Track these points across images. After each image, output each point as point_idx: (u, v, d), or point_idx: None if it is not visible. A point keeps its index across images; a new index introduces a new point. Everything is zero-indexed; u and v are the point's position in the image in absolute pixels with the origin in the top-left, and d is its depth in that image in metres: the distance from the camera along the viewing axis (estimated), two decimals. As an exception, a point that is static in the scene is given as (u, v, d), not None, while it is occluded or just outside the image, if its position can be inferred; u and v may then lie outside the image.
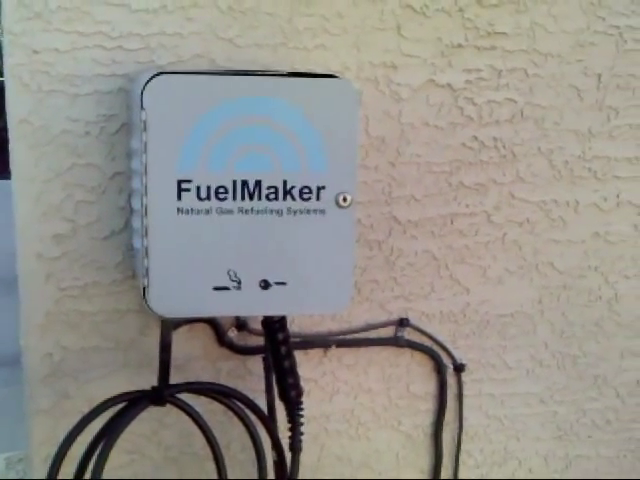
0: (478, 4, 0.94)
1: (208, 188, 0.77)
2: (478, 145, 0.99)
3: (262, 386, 0.95)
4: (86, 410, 0.85)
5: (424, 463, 1.09)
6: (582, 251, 1.05)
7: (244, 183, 0.77)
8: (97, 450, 0.80)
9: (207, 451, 0.87)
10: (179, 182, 0.76)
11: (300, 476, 0.93)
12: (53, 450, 0.83)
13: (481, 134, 0.98)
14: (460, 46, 0.95)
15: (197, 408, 0.86)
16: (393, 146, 0.96)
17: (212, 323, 0.95)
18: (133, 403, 0.83)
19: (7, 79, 0.85)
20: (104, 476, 0.79)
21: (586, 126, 1.01)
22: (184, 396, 0.87)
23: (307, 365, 1.00)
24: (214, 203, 0.77)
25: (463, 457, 1.10)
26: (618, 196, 1.04)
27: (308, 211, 0.79)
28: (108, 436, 0.80)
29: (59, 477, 0.81)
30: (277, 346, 0.89)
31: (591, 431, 1.14)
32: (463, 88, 0.96)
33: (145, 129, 0.75)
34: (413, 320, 1.02)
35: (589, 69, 0.99)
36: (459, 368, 1.05)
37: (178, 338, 0.92)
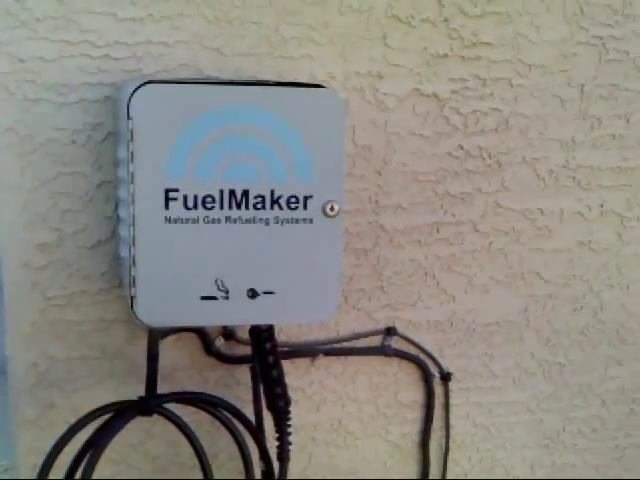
0: (463, 14, 0.95)
1: (195, 197, 0.77)
2: (464, 154, 0.99)
3: (249, 396, 0.95)
4: (72, 420, 0.85)
5: (412, 471, 1.09)
6: (567, 260, 1.06)
7: (231, 192, 0.77)
8: (84, 460, 0.80)
9: (195, 461, 0.86)
10: (166, 191, 0.76)
11: (288, 486, 0.93)
12: (40, 460, 0.82)
13: (467, 143, 0.99)
14: (445, 56, 0.96)
15: (184, 418, 0.86)
16: (379, 155, 0.97)
17: (199, 332, 0.95)
18: (120, 413, 0.82)
19: (-7, 88, 0.85)
20: (90, 487, 0.78)
21: (570, 135, 1.02)
22: (171, 406, 0.86)
23: (294, 374, 1.00)
24: (201, 212, 0.77)
25: (450, 465, 1.10)
26: (602, 205, 1.05)
27: (295, 220, 0.79)
28: (95, 447, 0.79)
29: (46, 487, 0.80)
30: (265, 355, 0.88)
31: (577, 439, 1.14)
32: (448, 98, 0.97)
33: (132, 138, 0.75)
34: (400, 329, 1.02)
35: (572, 79, 1.00)
36: (446, 377, 1.06)
37: (165, 347, 0.91)
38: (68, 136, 0.87)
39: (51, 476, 0.80)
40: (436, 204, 1.00)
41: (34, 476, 0.81)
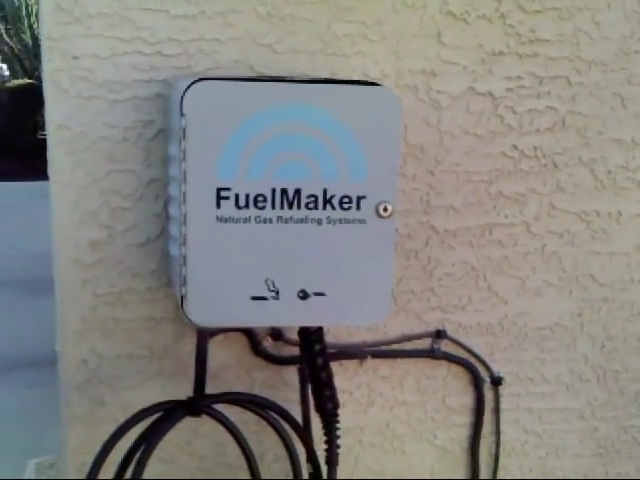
0: (520, 10, 0.93)
1: (247, 196, 0.76)
2: (518, 154, 0.97)
3: (296, 397, 0.94)
4: (121, 418, 0.85)
5: (460, 478, 1.07)
6: (625, 263, 1.03)
7: (283, 191, 0.76)
8: (134, 460, 0.79)
9: (241, 461, 0.86)
10: (218, 190, 0.75)
11: (334, 489, 0.92)
12: (87, 457, 0.82)
13: (521, 143, 0.97)
14: (501, 53, 0.94)
15: (231, 418, 0.85)
16: (432, 154, 0.95)
17: (247, 332, 0.94)
18: (169, 413, 0.82)
19: (46, 84, 0.85)
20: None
21: (630, 135, 0.99)
22: (218, 406, 0.86)
23: (342, 376, 0.98)
24: (253, 211, 0.76)
25: (501, 473, 1.07)
26: (662, 207, 1.02)
27: (348, 221, 0.78)
28: (145, 445, 0.79)
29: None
30: (314, 357, 0.87)
31: (632, 448, 1.11)
32: (504, 96, 0.95)
33: (184, 136, 0.74)
34: (450, 332, 1.00)
35: (633, 77, 0.97)
36: (496, 381, 1.03)
37: (212, 347, 0.90)
38: (119, 133, 0.87)
39: (100, 475, 0.80)
40: (489, 205, 0.98)
41: (80, 474, 0.81)
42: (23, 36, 7.27)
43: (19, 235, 3.83)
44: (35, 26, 6.96)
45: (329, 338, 0.97)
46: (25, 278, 3.10)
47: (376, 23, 0.90)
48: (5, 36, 7.30)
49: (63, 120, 0.85)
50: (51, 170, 0.87)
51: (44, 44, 0.84)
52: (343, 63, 0.90)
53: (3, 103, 6.90)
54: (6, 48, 7.34)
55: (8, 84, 7.13)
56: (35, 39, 6.98)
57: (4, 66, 7.65)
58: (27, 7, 7.10)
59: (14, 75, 7.37)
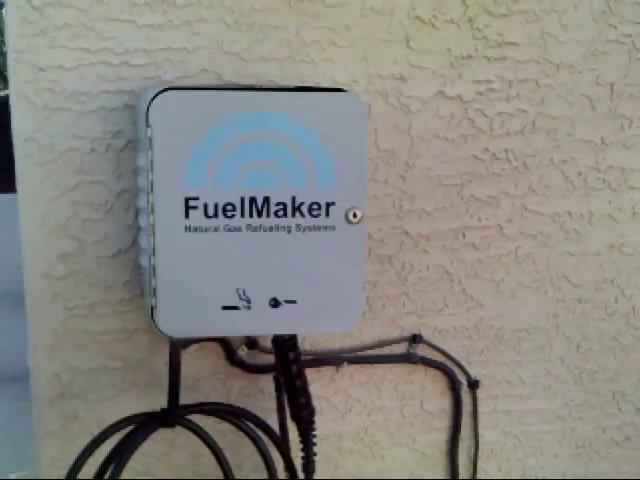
0: (488, 14, 0.93)
1: (216, 205, 0.75)
2: (489, 157, 0.97)
3: (273, 405, 0.93)
4: (96, 431, 0.84)
5: (439, 481, 1.07)
6: (597, 263, 1.03)
7: (252, 200, 0.76)
8: (108, 472, 0.79)
9: (219, 472, 0.85)
10: (186, 200, 0.75)
11: (313, 497, 0.91)
12: (63, 472, 0.82)
13: (492, 146, 0.97)
14: (470, 57, 0.94)
15: (207, 428, 0.85)
16: (403, 159, 0.95)
17: (222, 342, 0.94)
18: (143, 425, 0.81)
19: (12, 97, 0.85)
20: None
21: (599, 136, 0.99)
22: (195, 416, 0.85)
23: (319, 383, 0.98)
24: (222, 221, 0.76)
25: (480, 475, 1.07)
26: (634, 207, 1.02)
27: (318, 228, 0.78)
28: (119, 459, 0.78)
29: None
30: (288, 365, 0.87)
31: (610, 448, 1.11)
32: (473, 99, 0.95)
33: (151, 146, 0.74)
34: (426, 336, 1.00)
35: (601, 78, 0.97)
36: (473, 384, 1.03)
37: (187, 357, 0.90)
38: (88, 145, 0.86)
39: (74, 488, 0.80)
40: (461, 208, 0.98)
41: (57, 488, 0.80)
42: (4, 48, 7.24)
43: (7, 247, 3.80)
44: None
45: (305, 345, 0.97)
46: (8, 291, 3.07)
47: (344, 29, 0.90)
48: (-15, 49, 7.25)
49: (30, 132, 0.85)
50: (19, 183, 0.86)
51: (10, 56, 0.84)
52: (312, 70, 0.90)
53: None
54: (-14, 61, 7.29)
55: (-11, 96, 7.07)
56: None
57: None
58: (6, 19, 7.07)
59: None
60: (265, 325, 0.79)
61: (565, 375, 1.07)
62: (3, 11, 0.84)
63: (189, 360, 0.92)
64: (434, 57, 0.93)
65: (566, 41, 0.96)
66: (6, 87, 7.10)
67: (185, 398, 0.86)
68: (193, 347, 0.93)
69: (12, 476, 1.60)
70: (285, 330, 0.83)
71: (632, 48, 0.97)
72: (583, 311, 1.05)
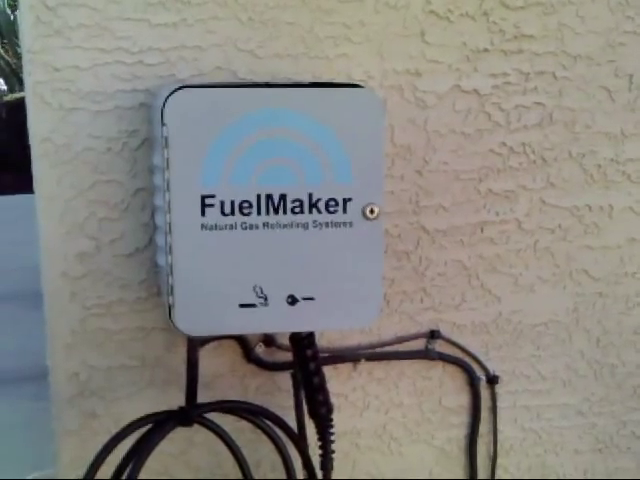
0: (504, 7, 0.92)
1: (232, 203, 0.75)
2: (507, 151, 0.96)
3: (291, 402, 0.93)
4: (114, 429, 0.84)
5: (459, 478, 1.06)
6: (618, 257, 1.02)
7: (268, 197, 0.76)
8: (126, 471, 0.79)
9: (237, 470, 0.85)
10: (203, 198, 0.75)
11: (332, 494, 0.91)
12: (82, 471, 0.82)
13: (510, 140, 0.96)
14: (486, 50, 0.93)
15: (225, 426, 0.85)
16: (419, 154, 0.94)
17: (239, 339, 0.94)
18: (161, 424, 0.82)
19: (28, 97, 0.85)
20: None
21: (618, 128, 0.98)
22: (212, 414, 0.85)
23: (336, 380, 0.98)
24: (238, 218, 0.76)
25: (499, 472, 1.06)
26: (654, 199, 1.01)
27: (335, 224, 0.77)
28: (136, 458, 0.79)
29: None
30: (306, 362, 0.87)
31: (632, 442, 1.10)
32: (490, 93, 0.94)
33: (166, 145, 0.74)
34: (444, 332, 1.00)
35: (620, 70, 0.96)
36: (492, 380, 1.03)
37: (205, 355, 0.90)
38: (104, 144, 0.87)
39: (94, 487, 0.80)
40: (479, 203, 0.97)
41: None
42: (19, 50, 7.28)
43: (18, 248, 3.83)
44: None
45: (322, 342, 0.96)
46: (26, 291, 3.10)
47: (359, 24, 0.90)
48: (1, 51, 7.31)
49: (46, 133, 0.85)
50: (36, 183, 0.87)
51: (25, 57, 0.84)
52: (326, 66, 0.90)
53: (1, 117, 6.90)
54: (2, 62, 7.35)
55: (5, 98, 7.13)
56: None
57: (1, 80, 7.67)
58: (22, 21, 7.12)
59: (11, 89, 7.38)
60: (283, 322, 0.79)
61: (585, 370, 1.06)
62: (16, 13, 0.84)
63: (206, 358, 0.92)
64: (450, 51, 0.92)
65: (583, 33, 0.95)
66: (22, 90, 7.15)
67: (202, 396, 0.86)
68: (210, 345, 0.93)
69: (31, 476, 1.61)
70: (303, 327, 0.83)
71: (650, 39, 0.96)
72: (603, 305, 1.04)
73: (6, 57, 7.36)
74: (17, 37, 7.23)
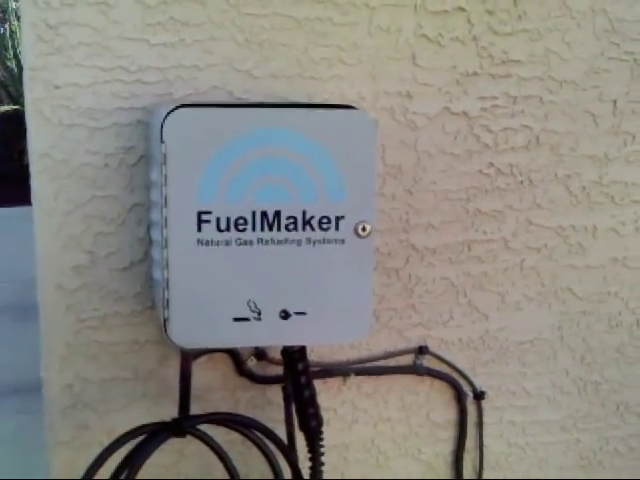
0: (492, 32, 0.95)
1: (228, 219, 0.77)
2: (494, 172, 0.99)
3: (281, 415, 0.95)
4: (106, 441, 0.85)
5: (445, 492, 1.08)
6: (601, 276, 1.05)
7: (263, 214, 0.78)
8: (118, 482, 0.80)
9: (227, 482, 0.87)
10: (199, 214, 0.77)
11: (321, 507, 0.93)
12: (74, 482, 0.83)
13: (497, 161, 0.99)
14: (475, 74, 0.96)
15: (216, 438, 0.86)
16: (409, 174, 0.97)
17: (231, 353, 0.95)
18: (154, 435, 0.83)
19: (28, 114, 0.86)
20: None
21: (602, 151, 1.01)
22: (203, 426, 0.87)
23: (326, 394, 0.99)
24: (234, 234, 0.77)
25: (485, 486, 1.08)
26: (636, 221, 1.04)
27: (327, 241, 0.79)
28: (130, 468, 0.80)
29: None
30: (297, 376, 0.88)
31: (614, 459, 1.12)
32: (479, 116, 0.97)
33: (165, 162, 0.76)
34: (432, 347, 1.02)
35: (604, 95, 0.99)
36: (479, 396, 1.05)
37: (197, 368, 0.92)
38: (101, 160, 0.88)
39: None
40: (467, 222, 1.00)
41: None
42: (8, 63, 7.27)
43: (6, 261, 3.82)
44: (20, 54, 6.96)
45: (313, 356, 0.98)
46: (16, 303, 3.09)
47: (352, 47, 0.92)
48: (-10, 64, 7.30)
49: (46, 148, 0.87)
50: (34, 197, 0.88)
51: (26, 74, 0.86)
52: (320, 87, 0.92)
53: (-11, 130, 6.88)
54: (-9, 75, 7.34)
55: (-6, 110, 7.11)
56: (20, 66, 6.98)
57: (-11, 93, 7.65)
58: (12, 35, 7.11)
59: (0, 102, 7.37)
60: (275, 336, 0.80)
61: (569, 387, 1.08)
62: (6, 26, 0.85)
63: (198, 371, 0.93)
64: (440, 74, 0.95)
65: (569, 59, 0.97)
66: (10, 102, 7.14)
67: (194, 409, 0.87)
68: (202, 358, 0.94)
69: None
70: (295, 341, 0.84)
71: (634, 65, 0.99)
72: (587, 323, 1.06)
73: (-5, 70, 7.35)
74: (6, 50, 7.24)
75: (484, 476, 1.08)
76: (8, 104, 7.18)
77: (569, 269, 1.04)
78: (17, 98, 7.10)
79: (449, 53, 0.95)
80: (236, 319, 0.79)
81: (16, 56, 7.14)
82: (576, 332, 1.06)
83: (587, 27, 0.97)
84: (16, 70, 7.15)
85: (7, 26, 7.13)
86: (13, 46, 7.15)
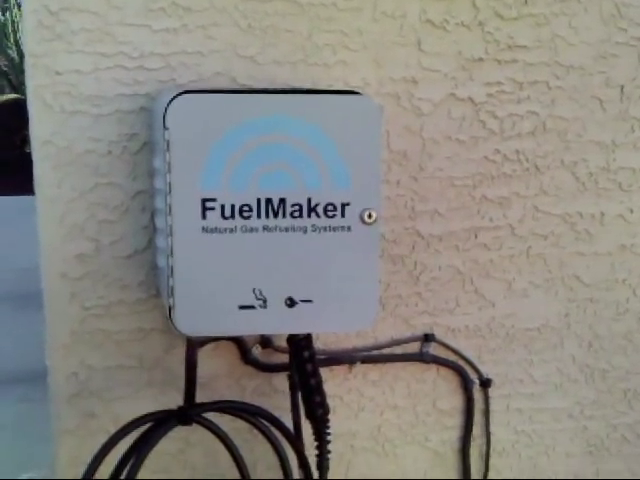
0: (498, 17, 0.94)
1: (232, 206, 0.77)
2: (501, 158, 0.98)
3: (287, 404, 0.94)
4: (112, 429, 0.85)
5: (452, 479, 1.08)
6: (609, 263, 1.04)
7: (268, 201, 0.77)
8: (125, 471, 0.80)
9: (233, 470, 0.86)
10: (203, 201, 0.76)
11: (327, 495, 0.92)
12: (79, 470, 0.83)
13: (503, 147, 0.98)
14: (481, 59, 0.95)
15: (222, 426, 0.86)
16: (415, 161, 0.96)
17: (236, 341, 0.95)
18: (160, 423, 0.83)
19: (30, 101, 0.86)
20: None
21: (610, 137, 1.00)
22: (209, 414, 0.86)
23: (332, 382, 0.99)
24: (239, 221, 0.77)
25: (492, 473, 1.08)
26: (644, 207, 1.03)
27: (333, 228, 0.79)
28: (136, 456, 0.79)
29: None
30: (303, 364, 0.88)
31: (622, 446, 1.12)
32: (484, 102, 0.96)
33: (168, 149, 0.75)
34: (438, 335, 1.01)
35: (611, 80, 0.98)
36: (485, 383, 1.04)
37: (202, 356, 0.91)
38: (104, 147, 0.88)
39: (93, 486, 0.81)
40: (473, 209, 0.99)
41: (75, 486, 0.82)
42: (9, 52, 7.26)
43: (8, 250, 3.83)
44: (21, 43, 6.95)
45: (318, 344, 0.98)
46: (16, 292, 3.09)
47: (356, 32, 0.91)
48: (-10, 52, 7.28)
49: (48, 135, 0.86)
50: (37, 185, 0.88)
51: (27, 61, 0.85)
52: (324, 73, 0.91)
53: (-10, 119, 6.88)
54: (-8, 64, 7.33)
55: (-5, 99, 7.11)
56: (21, 55, 6.97)
57: (-10, 82, 7.64)
58: (13, 23, 7.10)
59: (0, 91, 7.36)
60: (281, 324, 0.80)
61: (576, 374, 1.07)
62: (7, 15, 0.85)
63: (203, 359, 0.93)
64: (445, 60, 0.94)
65: (576, 44, 0.96)
66: (12, 91, 7.13)
67: (199, 397, 0.87)
68: (207, 346, 0.94)
69: (23, 476, 1.61)
70: (301, 329, 0.84)
71: (642, 50, 0.98)
72: (594, 311, 1.05)
73: (-4, 59, 7.33)
74: (7, 39, 7.22)
75: (491, 463, 1.07)
76: (9, 93, 7.17)
77: (576, 256, 1.03)
78: (18, 87, 7.10)
79: (454, 38, 0.94)
80: (242, 307, 0.78)
81: (17, 44, 7.13)
82: (583, 319, 1.06)
83: (594, 12, 0.96)
84: (17, 59, 7.14)
85: (8, 15, 7.11)
86: (14, 34, 7.13)
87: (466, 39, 0.94)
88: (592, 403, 1.09)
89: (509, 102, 0.96)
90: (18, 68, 7.08)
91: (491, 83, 0.95)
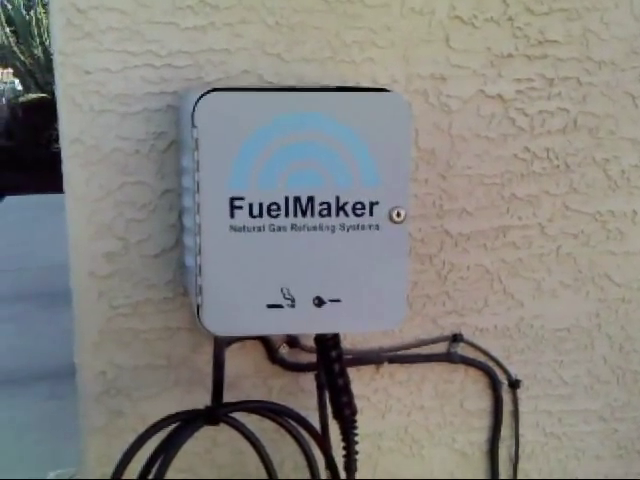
0: (528, 12, 0.93)
1: (260, 205, 0.76)
2: (530, 156, 0.97)
3: (314, 403, 0.94)
4: (140, 428, 0.85)
5: (479, 481, 1.07)
6: (641, 263, 1.02)
7: (296, 199, 0.77)
8: (153, 470, 0.80)
9: (260, 470, 0.86)
10: (231, 200, 0.76)
11: (353, 495, 0.92)
12: (107, 469, 0.83)
13: (533, 145, 0.96)
14: (510, 56, 0.94)
15: (249, 425, 0.85)
16: (443, 158, 0.95)
17: (263, 340, 0.95)
18: (188, 423, 0.82)
19: (59, 99, 0.86)
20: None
21: (643, 134, 0.98)
22: (236, 413, 0.86)
23: (359, 382, 0.98)
24: (267, 220, 0.76)
25: (520, 476, 1.07)
26: (677, 205, 1.01)
27: (361, 227, 0.78)
28: (164, 455, 0.79)
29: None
30: (330, 364, 0.87)
31: (653, 449, 1.10)
32: (514, 98, 0.95)
33: (197, 147, 0.75)
34: (466, 335, 1.00)
35: (644, 76, 0.97)
36: (514, 384, 1.03)
37: (229, 355, 0.91)
38: (132, 146, 0.88)
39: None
40: (502, 207, 0.98)
41: (103, 484, 0.82)
42: (35, 51, 7.33)
43: (35, 247, 3.87)
44: (46, 41, 7.01)
45: (345, 344, 0.97)
46: (43, 290, 3.12)
47: (384, 29, 0.90)
48: (17, 51, 7.36)
49: (77, 134, 0.86)
50: (66, 184, 0.88)
51: (56, 59, 0.85)
52: (352, 70, 0.90)
53: (17, 117, 6.96)
54: (18, 63, 7.40)
55: (21, 99, 7.18)
56: (47, 54, 7.04)
57: (16, 81, 7.72)
58: (38, 22, 7.16)
59: (27, 90, 7.43)
60: (309, 324, 0.79)
61: (607, 375, 1.06)
62: (31, 13, 0.85)
63: (230, 359, 0.93)
64: (474, 56, 0.93)
65: (608, 39, 0.95)
66: (38, 90, 7.19)
67: (226, 396, 0.86)
68: (234, 346, 0.94)
69: (51, 475, 1.62)
70: (329, 329, 0.83)
71: (675, 45, 0.96)
72: (626, 311, 1.04)
73: (22, 57, 7.40)
74: (33, 38, 7.28)
75: (520, 465, 1.06)
76: (35, 92, 7.24)
77: (607, 255, 1.01)
78: (44, 86, 7.16)
79: (483, 34, 0.92)
80: (269, 306, 0.78)
81: (43, 43, 7.19)
82: (614, 320, 1.04)
83: (625, 7, 0.95)
84: (43, 58, 7.21)
85: (32, 13, 7.17)
86: (39, 34, 7.20)
87: (495, 35, 0.93)
88: (623, 405, 1.07)
89: (539, 99, 0.95)
90: (44, 67, 7.14)
91: (521, 79, 0.94)
